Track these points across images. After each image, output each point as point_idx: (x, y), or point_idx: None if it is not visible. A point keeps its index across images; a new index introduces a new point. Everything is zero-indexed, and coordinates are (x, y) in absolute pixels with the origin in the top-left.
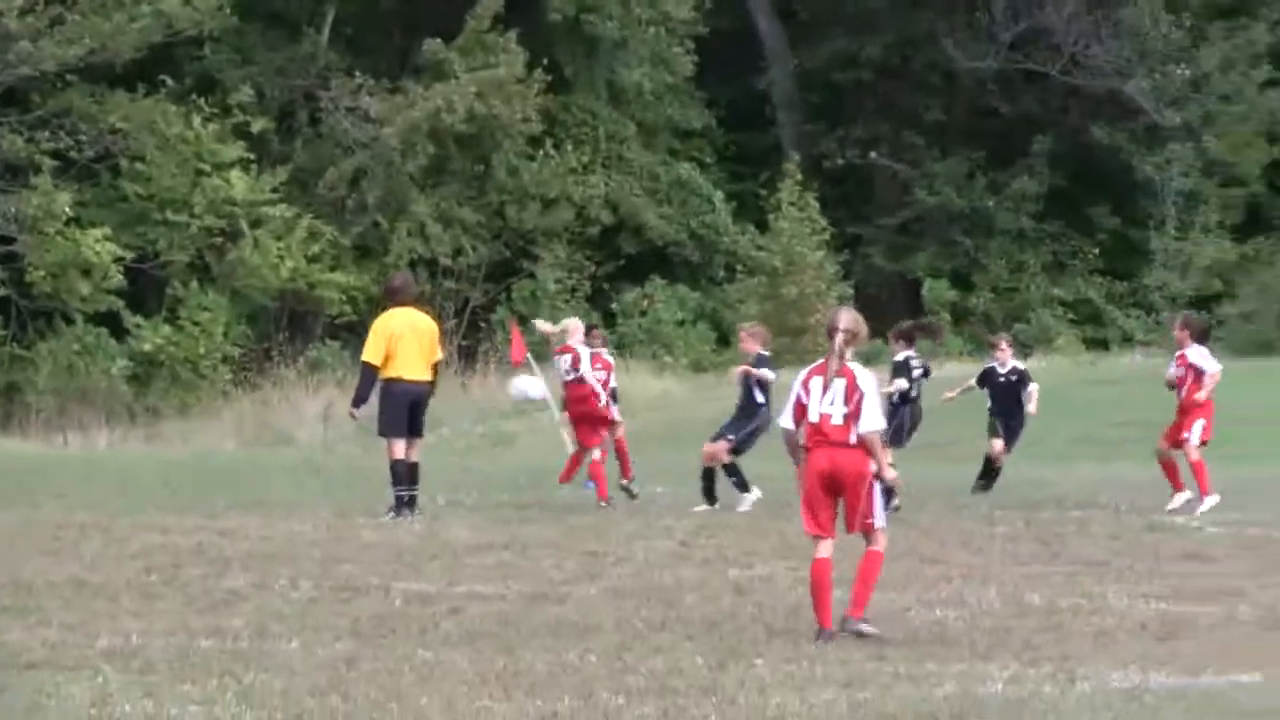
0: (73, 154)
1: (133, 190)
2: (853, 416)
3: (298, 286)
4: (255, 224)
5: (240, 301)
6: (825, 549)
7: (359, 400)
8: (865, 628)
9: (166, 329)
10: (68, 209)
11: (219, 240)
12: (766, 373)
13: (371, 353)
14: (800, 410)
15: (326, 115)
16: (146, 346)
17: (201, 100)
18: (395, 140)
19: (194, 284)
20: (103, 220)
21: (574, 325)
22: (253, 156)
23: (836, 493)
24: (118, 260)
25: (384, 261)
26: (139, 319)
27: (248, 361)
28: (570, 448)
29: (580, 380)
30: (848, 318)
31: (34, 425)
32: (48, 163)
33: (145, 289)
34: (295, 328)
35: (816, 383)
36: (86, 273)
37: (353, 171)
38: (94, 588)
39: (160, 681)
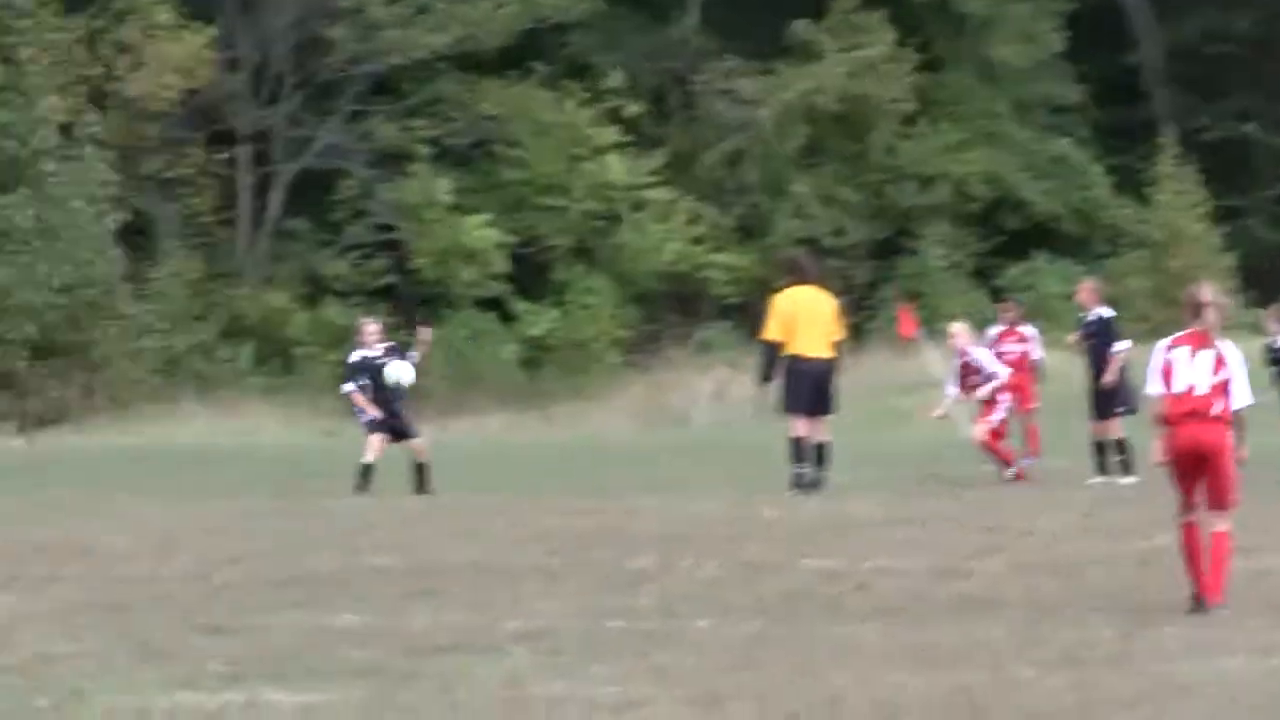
0: (447, 141)
1: (511, 176)
2: (1219, 390)
3: (682, 269)
4: (635, 207)
5: (626, 284)
6: (1193, 515)
7: (764, 378)
8: (1225, 612)
9: (554, 313)
10: (447, 196)
11: (600, 224)
12: (1123, 346)
13: (771, 330)
14: (1165, 378)
15: (700, 98)
16: (535, 331)
17: (573, 85)
18: (770, 122)
19: (578, 268)
20: (482, 206)
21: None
22: (628, 140)
23: (1199, 466)
24: (500, 246)
25: (766, 242)
26: (525, 304)
27: (637, 344)
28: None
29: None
30: (1213, 292)
31: (426, 412)
32: (423, 150)
33: (528, 274)
34: (683, 309)
35: (1181, 353)
36: (470, 259)
37: (730, 153)
38: (496, 570)
39: (571, 662)
